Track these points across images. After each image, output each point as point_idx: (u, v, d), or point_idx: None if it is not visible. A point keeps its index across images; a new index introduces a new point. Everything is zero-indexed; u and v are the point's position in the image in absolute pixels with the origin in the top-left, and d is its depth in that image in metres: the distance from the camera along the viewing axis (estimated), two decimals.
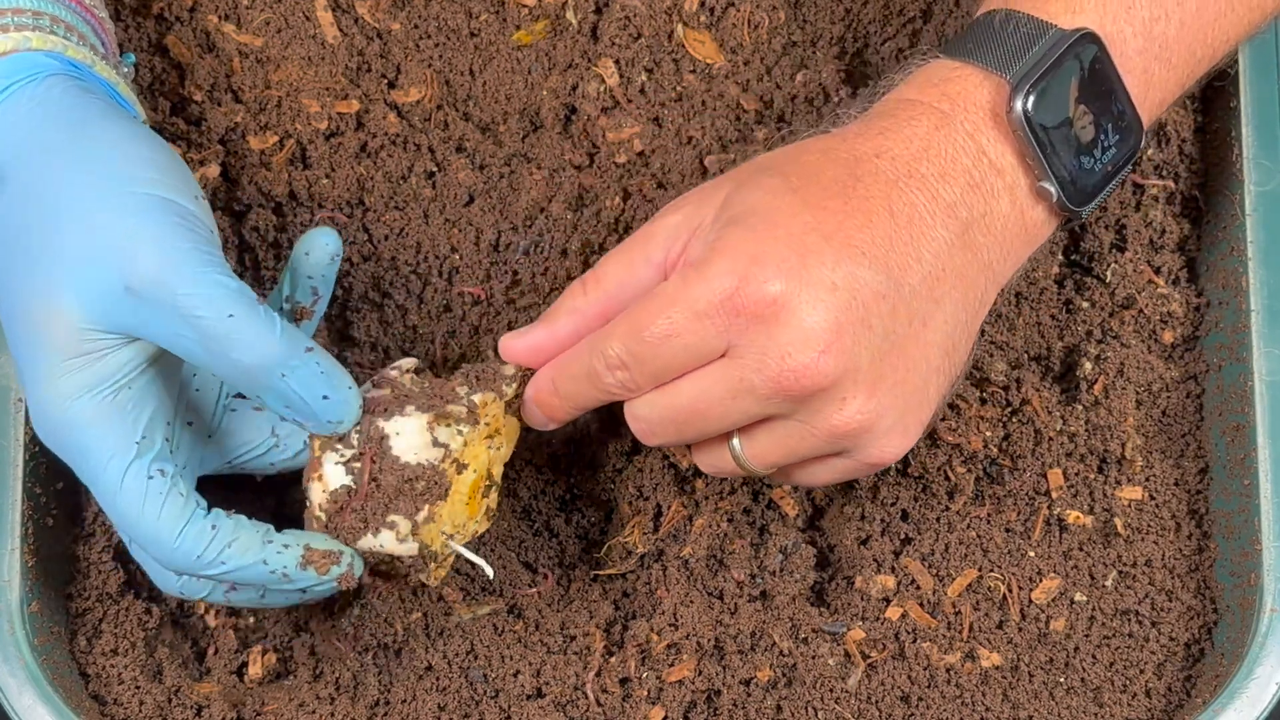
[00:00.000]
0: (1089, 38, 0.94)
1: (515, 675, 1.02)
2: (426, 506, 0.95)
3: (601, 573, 1.07)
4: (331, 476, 0.95)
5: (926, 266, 0.92)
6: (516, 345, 0.99)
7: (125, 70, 1.04)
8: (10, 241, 0.93)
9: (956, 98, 0.94)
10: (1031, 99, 0.92)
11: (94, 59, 0.98)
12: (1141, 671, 1.04)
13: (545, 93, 1.13)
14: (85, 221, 0.91)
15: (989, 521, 1.05)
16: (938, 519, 1.05)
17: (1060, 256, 1.12)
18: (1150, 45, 0.96)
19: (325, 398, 0.92)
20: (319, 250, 1.01)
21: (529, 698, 1.02)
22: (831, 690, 1.01)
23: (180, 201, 0.91)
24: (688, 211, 0.96)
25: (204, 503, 0.93)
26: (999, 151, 0.94)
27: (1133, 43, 0.96)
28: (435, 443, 0.95)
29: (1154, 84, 0.97)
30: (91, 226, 0.90)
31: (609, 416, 1.09)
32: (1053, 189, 0.94)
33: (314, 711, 1.01)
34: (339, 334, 1.10)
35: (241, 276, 0.98)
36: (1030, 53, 0.94)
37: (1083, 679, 1.03)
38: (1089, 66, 0.94)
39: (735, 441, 0.95)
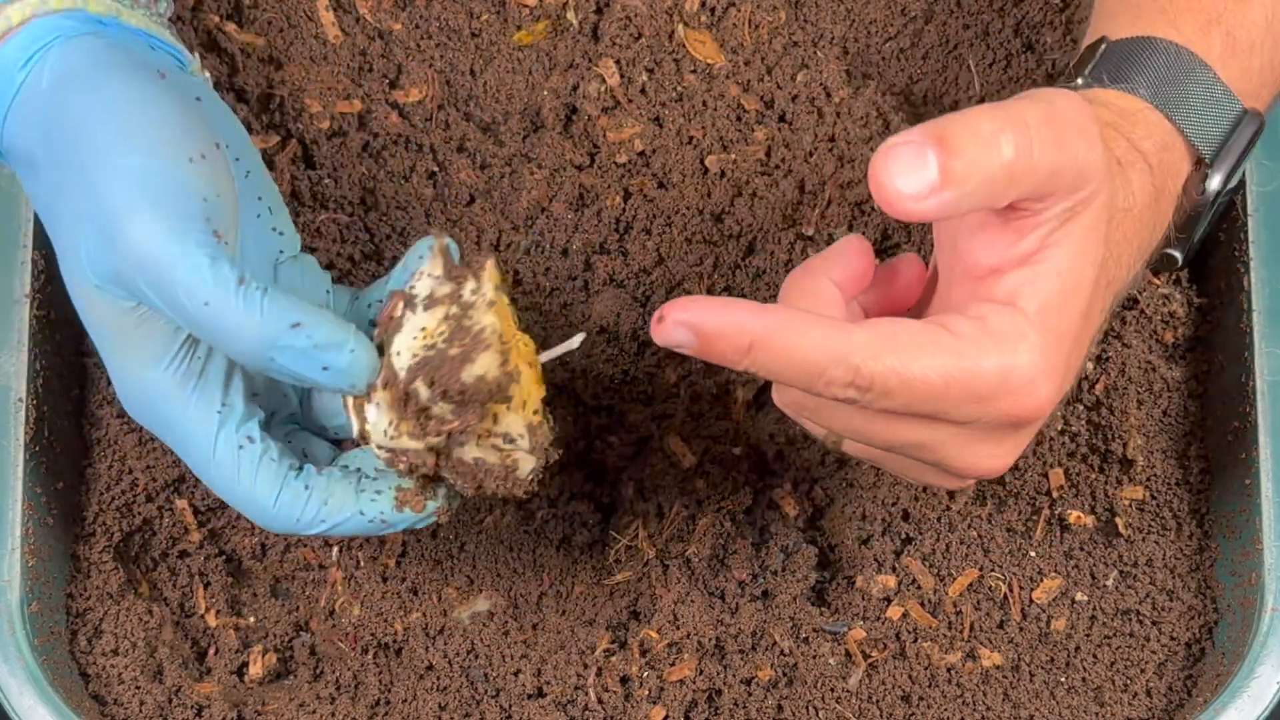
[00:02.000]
0: (1257, 116, 0.94)
1: (516, 674, 1.02)
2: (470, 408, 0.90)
3: (611, 581, 1.07)
4: (372, 417, 0.91)
5: (1082, 339, 0.87)
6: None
7: (163, 6, 1.01)
8: (49, 227, 0.93)
9: (1169, 167, 0.91)
10: (1219, 180, 0.92)
11: (118, 8, 0.96)
12: (1142, 671, 1.04)
13: (546, 92, 1.13)
14: (75, 207, 0.89)
15: (990, 521, 1.05)
16: (939, 519, 1.05)
17: None
18: (1248, 85, 0.96)
19: (325, 369, 0.88)
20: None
21: (530, 697, 1.02)
22: (832, 690, 1.01)
23: (169, 171, 0.88)
24: (1099, 167, 0.84)
25: (295, 461, 0.93)
26: (1168, 228, 0.92)
27: (1263, 93, 0.96)
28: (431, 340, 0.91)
29: None
30: (80, 211, 0.89)
31: (609, 418, 1.09)
32: (1179, 256, 0.94)
33: (314, 711, 1.02)
34: None
35: None
36: (1227, 133, 0.93)
37: (1084, 678, 1.03)
38: (1250, 143, 0.94)
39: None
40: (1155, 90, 0.92)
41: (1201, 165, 0.92)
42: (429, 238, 0.95)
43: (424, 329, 0.90)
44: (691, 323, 0.81)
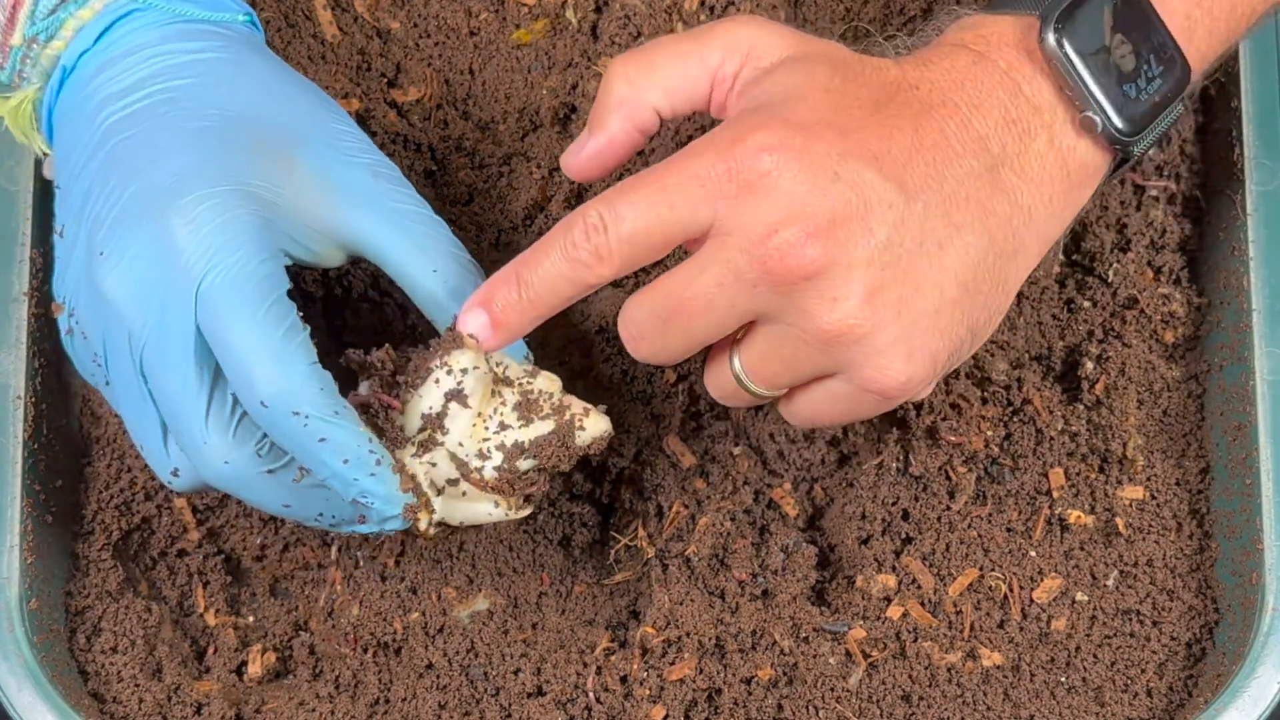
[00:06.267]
0: None
1: (516, 673, 1.02)
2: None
3: (611, 581, 1.07)
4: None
5: (947, 190, 0.90)
6: (577, 161, 0.95)
7: None
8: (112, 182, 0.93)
9: (991, 38, 0.93)
10: (1063, 28, 0.91)
11: None
12: (1143, 671, 1.03)
13: (545, 92, 1.13)
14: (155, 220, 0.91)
15: (990, 521, 1.05)
16: (939, 518, 1.05)
17: (1062, 256, 1.12)
18: None
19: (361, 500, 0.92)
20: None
21: (530, 696, 1.01)
22: (833, 689, 1.01)
23: (249, 216, 0.91)
24: (758, 35, 0.92)
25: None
26: (1035, 89, 0.92)
27: None
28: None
29: (1197, 32, 0.96)
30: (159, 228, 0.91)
31: (612, 420, 1.09)
32: (1097, 118, 0.92)
33: (314, 710, 1.01)
34: (338, 333, 1.10)
35: None
36: None
37: (1084, 678, 1.03)
38: None
39: (735, 359, 0.93)
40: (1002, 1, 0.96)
41: (1036, 23, 0.93)
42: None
43: (480, 415, 0.94)
44: (475, 302, 0.92)
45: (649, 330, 0.91)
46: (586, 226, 0.88)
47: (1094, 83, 0.92)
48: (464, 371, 0.93)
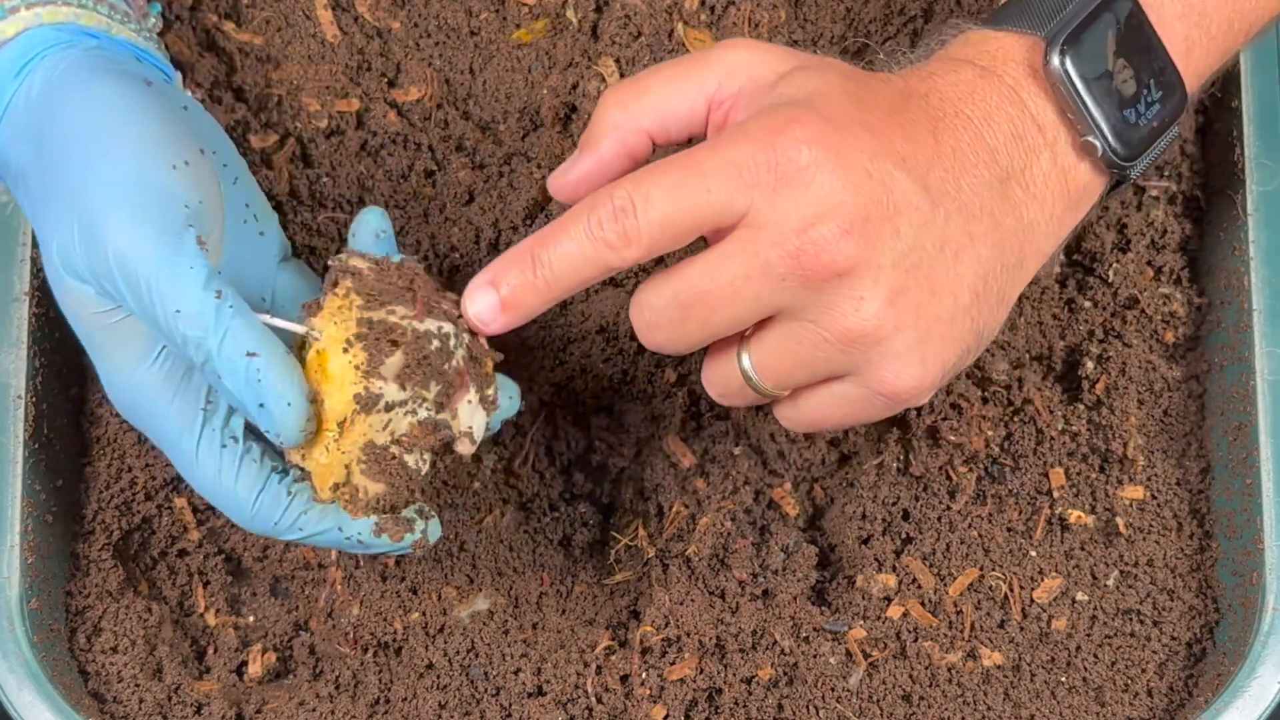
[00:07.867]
0: None
1: (516, 673, 1.02)
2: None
3: (611, 581, 1.07)
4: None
5: (964, 198, 0.90)
6: (566, 181, 0.94)
7: (151, 21, 1.03)
8: (37, 232, 0.93)
9: (996, 54, 0.94)
10: (1069, 52, 0.92)
11: (109, 22, 0.97)
12: (1143, 671, 1.03)
13: (545, 91, 1.13)
14: (59, 207, 0.90)
15: (990, 521, 1.05)
16: (939, 518, 1.05)
17: (1063, 256, 1.12)
18: (1189, 12, 0.96)
19: (260, 406, 0.89)
20: (364, 229, 1.00)
21: (530, 695, 1.01)
22: (833, 689, 1.01)
23: (152, 177, 0.89)
24: (754, 56, 0.92)
25: (280, 465, 0.93)
26: (1040, 107, 0.93)
27: (1170, 7, 0.96)
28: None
29: (1194, 53, 0.97)
30: (63, 213, 0.89)
31: (609, 418, 1.09)
32: (1097, 142, 0.93)
33: (314, 710, 1.01)
34: None
35: None
36: (1064, 12, 0.93)
37: (1084, 678, 1.03)
38: (1125, 21, 0.94)
39: (744, 355, 0.91)
40: (980, 18, 0.97)
41: (1042, 43, 0.93)
42: (366, 214, 0.99)
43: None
44: (483, 281, 0.90)
45: (666, 318, 0.89)
46: (614, 208, 0.87)
47: (1095, 108, 0.93)
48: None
